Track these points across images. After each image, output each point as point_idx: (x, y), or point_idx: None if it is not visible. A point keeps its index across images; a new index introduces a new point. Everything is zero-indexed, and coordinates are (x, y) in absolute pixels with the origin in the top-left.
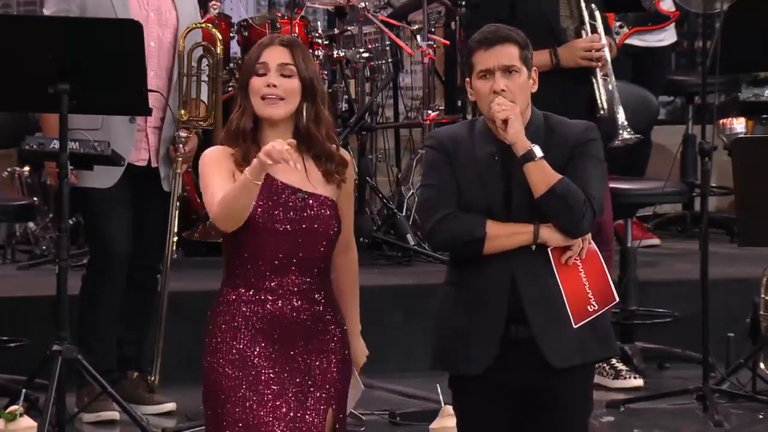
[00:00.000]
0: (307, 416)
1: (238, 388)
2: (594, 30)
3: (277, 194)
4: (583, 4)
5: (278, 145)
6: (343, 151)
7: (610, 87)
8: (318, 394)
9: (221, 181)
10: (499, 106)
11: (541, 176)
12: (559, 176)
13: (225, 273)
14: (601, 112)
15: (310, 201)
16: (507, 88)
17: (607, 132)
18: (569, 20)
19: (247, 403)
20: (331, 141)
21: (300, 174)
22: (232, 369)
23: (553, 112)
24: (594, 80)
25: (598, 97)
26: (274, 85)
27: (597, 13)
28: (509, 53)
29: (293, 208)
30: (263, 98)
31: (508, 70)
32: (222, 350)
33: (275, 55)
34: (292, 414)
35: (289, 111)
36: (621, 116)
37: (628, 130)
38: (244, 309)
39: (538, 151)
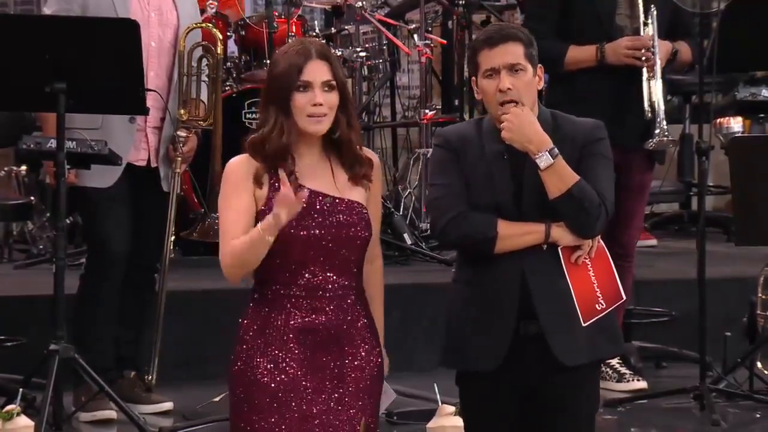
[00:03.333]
0: (339, 425)
1: (271, 398)
2: (647, 30)
3: (306, 201)
4: (641, 3)
5: (290, 196)
6: (368, 152)
7: (656, 89)
8: (351, 403)
9: (235, 223)
10: (506, 123)
11: (559, 177)
12: (576, 177)
13: (254, 281)
14: (648, 115)
15: (339, 206)
16: (513, 87)
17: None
18: (628, 19)
19: (281, 413)
20: (360, 143)
21: (327, 180)
22: (264, 378)
23: (601, 111)
24: (642, 81)
25: (644, 98)
26: (321, 104)
27: (654, 14)
28: (514, 52)
29: (322, 214)
30: (309, 116)
31: (513, 69)
32: (253, 359)
33: (318, 72)
34: (325, 422)
35: (330, 124)
36: (661, 119)
37: (667, 134)
38: (276, 317)
39: (556, 151)
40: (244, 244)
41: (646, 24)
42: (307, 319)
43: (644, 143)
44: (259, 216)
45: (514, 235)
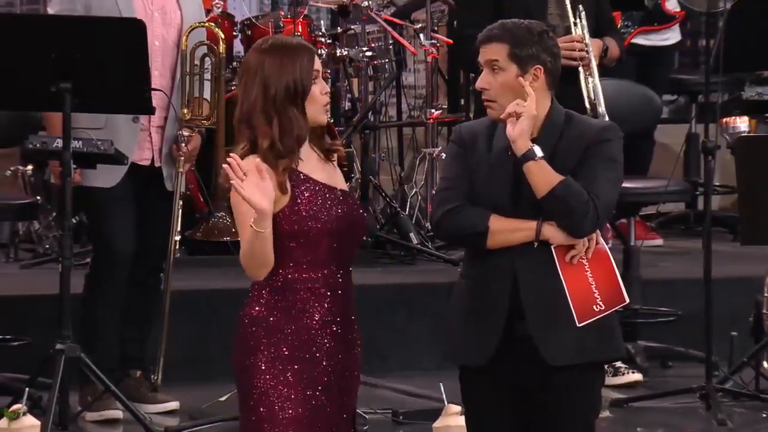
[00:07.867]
0: (344, 415)
1: (290, 388)
2: (576, 29)
3: (321, 195)
4: (568, 3)
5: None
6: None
7: (593, 87)
8: (351, 393)
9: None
10: (515, 105)
11: (542, 177)
12: (561, 177)
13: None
14: (589, 113)
15: (346, 199)
16: (488, 86)
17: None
18: (559, 18)
19: (306, 403)
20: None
21: (330, 171)
22: (280, 369)
23: None
24: (579, 80)
25: (584, 98)
26: (327, 92)
27: (583, 13)
28: (493, 50)
29: (333, 208)
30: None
31: (491, 67)
32: (268, 353)
33: (318, 63)
34: (338, 412)
35: None
36: (603, 116)
37: None
38: (297, 312)
39: (538, 152)
40: (245, 246)
41: (575, 23)
42: (328, 312)
43: None
44: (284, 218)
45: (505, 230)
